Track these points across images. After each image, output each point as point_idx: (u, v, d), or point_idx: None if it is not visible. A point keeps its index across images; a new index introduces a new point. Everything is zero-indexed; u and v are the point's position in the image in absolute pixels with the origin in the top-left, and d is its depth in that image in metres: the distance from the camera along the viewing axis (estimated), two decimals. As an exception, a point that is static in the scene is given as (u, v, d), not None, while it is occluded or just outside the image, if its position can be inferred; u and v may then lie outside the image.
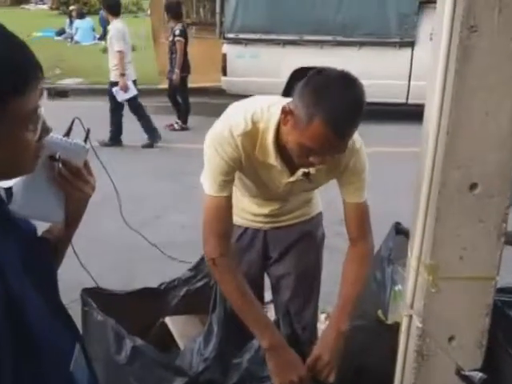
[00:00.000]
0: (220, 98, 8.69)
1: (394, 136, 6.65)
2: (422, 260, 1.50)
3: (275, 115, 1.55)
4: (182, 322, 2.04)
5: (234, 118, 1.60)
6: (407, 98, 7.66)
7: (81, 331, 1.88)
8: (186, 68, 7.40)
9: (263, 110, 1.59)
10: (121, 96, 6.42)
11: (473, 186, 1.40)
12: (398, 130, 7.22)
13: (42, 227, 1.13)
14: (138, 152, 6.66)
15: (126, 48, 6.34)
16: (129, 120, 6.79)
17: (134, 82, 6.57)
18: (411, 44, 7.53)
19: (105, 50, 9.06)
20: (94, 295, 1.90)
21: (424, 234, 1.48)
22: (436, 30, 1.44)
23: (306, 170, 1.61)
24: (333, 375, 1.63)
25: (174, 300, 2.07)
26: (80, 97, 9.92)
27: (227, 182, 1.62)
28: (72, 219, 1.11)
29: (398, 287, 1.64)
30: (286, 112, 1.46)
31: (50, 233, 1.15)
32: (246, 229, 1.96)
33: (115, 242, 3.94)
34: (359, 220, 1.74)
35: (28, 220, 1.04)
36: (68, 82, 10.23)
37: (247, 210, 1.91)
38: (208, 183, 1.63)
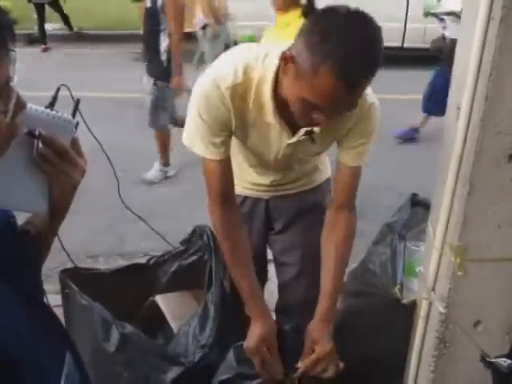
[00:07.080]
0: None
1: (389, 82, 6.37)
2: (448, 240, 1.31)
3: (273, 64, 1.29)
4: (174, 300, 1.86)
5: (221, 69, 1.34)
6: (403, 42, 7.35)
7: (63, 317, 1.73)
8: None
9: (259, 57, 1.32)
10: None
11: (512, 156, 1.20)
12: (394, 76, 6.94)
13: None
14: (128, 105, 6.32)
15: None
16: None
17: None
18: (408, -17, 7.16)
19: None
20: (75, 276, 1.70)
21: (451, 210, 1.29)
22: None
23: (308, 129, 1.36)
24: (332, 369, 1.49)
25: (165, 276, 1.88)
26: (59, 43, 9.45)
27: (217, 145, 1.39)
28: (58, 208, 0.90)
29: (420, 268, 1.46)
30: (286, 59, 1.20)
31: (32, 224, 0.95)
32: (246, 198, 1.75)
33: (104, 201, 3.75)
34: (351, 185, 1.53)
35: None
36: (46, 28, 9.62)
37: (246, 179, 1.69)
38: (196, 144, 1.40)
